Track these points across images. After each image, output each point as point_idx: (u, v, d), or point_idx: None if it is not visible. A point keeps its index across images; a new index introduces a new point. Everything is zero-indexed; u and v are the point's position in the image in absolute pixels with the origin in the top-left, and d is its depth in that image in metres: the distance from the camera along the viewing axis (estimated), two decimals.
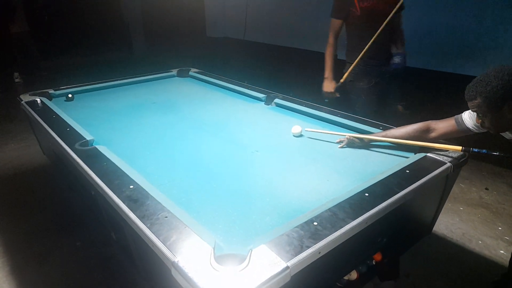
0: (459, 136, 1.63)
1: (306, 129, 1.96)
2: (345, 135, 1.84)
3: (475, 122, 1.52)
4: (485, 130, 1.54)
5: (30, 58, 5.88)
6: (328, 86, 2.59)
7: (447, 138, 1.67)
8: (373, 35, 2.36)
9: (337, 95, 2.60)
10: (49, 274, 2.14)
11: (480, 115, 1.41)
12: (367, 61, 2.47)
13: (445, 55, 3.59)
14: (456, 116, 1.62)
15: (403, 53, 2.39)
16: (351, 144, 1.80)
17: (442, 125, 1.64)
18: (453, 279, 2.07)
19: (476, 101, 1.37)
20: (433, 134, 1.65)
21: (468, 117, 1.56)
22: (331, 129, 2.01)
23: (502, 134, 1.53)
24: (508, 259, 1.96)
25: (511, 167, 3.24)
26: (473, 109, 1.42)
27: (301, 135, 1.93)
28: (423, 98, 3.79)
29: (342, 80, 2.58)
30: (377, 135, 1.79)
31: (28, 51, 5.82)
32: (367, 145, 1.80)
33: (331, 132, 1.91)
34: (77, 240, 2.40)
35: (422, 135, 1.66)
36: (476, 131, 1.56)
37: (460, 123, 1.58)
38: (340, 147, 1.80)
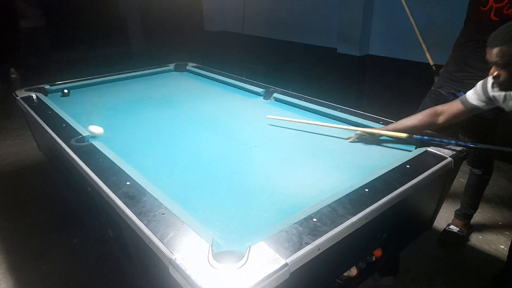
0: (467, 116, 1.60)
1: (268, 116, 2.00)
2: (302, 122, 1.91)
3: (480, 98, 1.48)
4: (493, 106, 1.49)
5: (37, 52, 5.75)
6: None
7: (455, 120, 1.62)
8: (466, 39, 1.98)
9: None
10: (47, 272, 2.13)
11: (499, 65, 1.32)
12: (448, 63, 2.17)
13: (445, 48, 3.56)
14: (460, 97, 1.58)
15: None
16: (362, 139, 1.74)
17: (447, 107, 1.61)
18: (453, 274, 2.07)
19: (502, 48, 1.27)
20: (441, 118, 1.61)
21: (472, 94, 1.52)
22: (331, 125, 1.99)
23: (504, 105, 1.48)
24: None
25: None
26: (493, 58, 1.32)
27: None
28: (423, 91, 3.76)
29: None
30: (387, 128, 1.73)
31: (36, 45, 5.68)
32: (377, 140, 1.74)
33: (294, 120, 1.96)
34: (74, 237, 2.39)
35: (431, 120, 1.62)
36: (484, 107, 1.52)
37: (465, 102, 1.54)
38: (349, 142, 1.76)
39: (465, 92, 1.85)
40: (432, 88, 2.24)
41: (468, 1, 2.01)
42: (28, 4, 5.34)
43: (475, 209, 2.31)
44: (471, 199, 2.27)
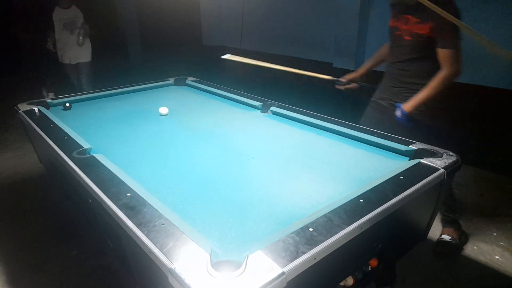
0: None
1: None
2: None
3: None
4: None
5: None
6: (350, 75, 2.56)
7: None
8: (394, 60, 2.21)
9: (343, 80, 2.54)
10: (45, 284, 2.13)
11: None
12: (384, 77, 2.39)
13: None
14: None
15: (404, 110, 2.05)
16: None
17: None
18: (448, 285, 2.08)
19: None
20: None
21: None
22: (327, 137, 2.03)
23: None
24: (504, 265, 1.97)
25: (506, 173, 3.28)
26: None
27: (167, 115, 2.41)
28: None
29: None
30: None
31: None
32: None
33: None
34: (73, 249, 2.40)
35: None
36: None
37: None
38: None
39: (402, 103, 2.12)
40: (373, 99, 2.44)
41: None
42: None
43: (456, 212, 2.35)
44: (446, 201, 2.30)
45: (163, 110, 2.43)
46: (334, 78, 2.54)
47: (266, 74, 5.30)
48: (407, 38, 2.08)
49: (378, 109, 2.37)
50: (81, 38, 4.36)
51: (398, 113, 2.10)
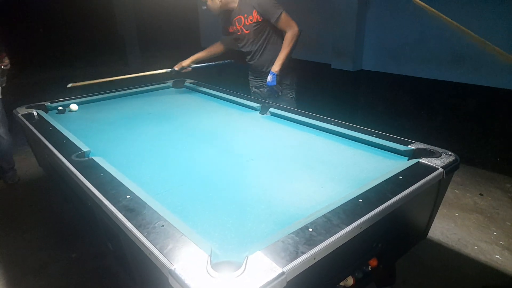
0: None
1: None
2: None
3: None
4: None
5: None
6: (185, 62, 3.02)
7: None
8: (246, 55, 2.78)
9: (176, 68, 2.99)
10: (45, 287, 2.12)
11: None
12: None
13: (436, 62, 3.66)
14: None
15: (273, 72, 2.54)
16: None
17: None
18: (449, 284, 2.09)
19: None
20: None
21: None
22: (325, 137, 2.04)
23: None
24: (504, 264, 1.97)
25: (505, 172, 3.28)
26: None
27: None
28: (416, 106, 3.84)
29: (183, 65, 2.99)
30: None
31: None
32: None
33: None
34: (73, 252, 2.39)
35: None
36: None
37: None
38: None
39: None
40: (252, 90, 2.95)
41: None
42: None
43: None
44: None
45: (73, 106, 2.59)
46: (171, 69, 2.99)
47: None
48: (247, 31, 2.58)
49: (260, 94, 2.85)
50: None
51: (269, 77, 2.51)
